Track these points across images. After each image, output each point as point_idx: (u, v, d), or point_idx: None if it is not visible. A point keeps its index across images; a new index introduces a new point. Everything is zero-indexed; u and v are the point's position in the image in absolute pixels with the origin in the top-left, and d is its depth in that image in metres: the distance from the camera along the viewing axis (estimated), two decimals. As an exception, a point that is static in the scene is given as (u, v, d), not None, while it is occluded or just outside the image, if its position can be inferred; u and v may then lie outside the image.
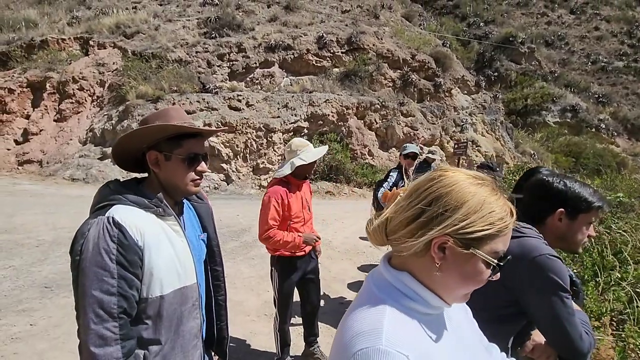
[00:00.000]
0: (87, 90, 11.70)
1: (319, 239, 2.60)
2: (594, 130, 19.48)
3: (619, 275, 3.16)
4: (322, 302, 3.82)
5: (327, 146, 2.60)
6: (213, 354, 1.45)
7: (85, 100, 11.70)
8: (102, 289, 0.97)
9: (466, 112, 14.87)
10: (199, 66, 12.69)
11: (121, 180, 1.19)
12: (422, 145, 12.68)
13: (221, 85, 12.20)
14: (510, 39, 21.63)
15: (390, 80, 14.02)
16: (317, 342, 2.87)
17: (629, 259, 3.48)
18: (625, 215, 4.93)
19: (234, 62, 13.05)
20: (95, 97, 11.86)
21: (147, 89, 10.72)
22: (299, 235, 2.48)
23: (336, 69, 13.83)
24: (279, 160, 11.46)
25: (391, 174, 3.26)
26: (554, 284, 1.07)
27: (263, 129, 11.14)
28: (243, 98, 11.58)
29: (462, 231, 0.63)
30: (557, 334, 1.10)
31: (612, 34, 26.84)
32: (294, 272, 2.60)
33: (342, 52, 13.95)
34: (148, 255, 1.06)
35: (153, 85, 11.01)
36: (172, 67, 11.85)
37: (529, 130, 18.85)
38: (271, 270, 2.67)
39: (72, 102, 11.54)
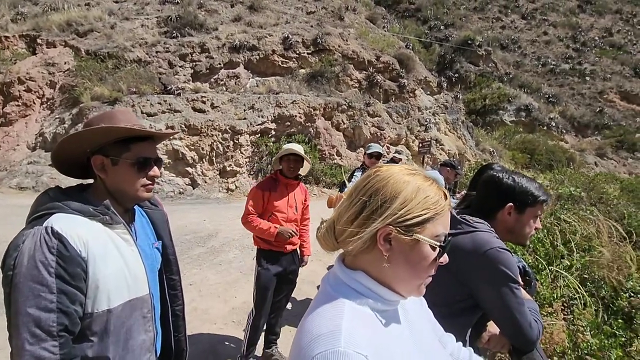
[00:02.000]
0: (35, 92, 10.90)
1: (295, 234, 2.63)
2: (545, 128, 20.83)
3: (568, 263, 3.38)
4: (289, 305, 3.79)
5: (299, 145, 2.69)
6: None
7: (34, 103, 10.90)
8: (38, 306, 0.89)
9: (429, 112, 15.37)
10: (159, 67, 12.21)
11: (63, 187, 1.10)
12: (388, 145, 12.97)
13: (184, 86, 11.81)
14: (469, 41, 22.65)
15: (356, 81, 14.21)
16: (276, 342, 2.87)
17: (574, 249, 3.73)
18: (574, 207, 5.29)
19: (197, 63, 12.69)
20: (45, 100, 11.08)
21: (103, 91, 10.17)
22: (275, 227, 2.55)
23: (302, 70, 13.82)
24: (246, 162, 11.27)
25: (355, 173, 3.29)
26: (504, 275, 1.12)
27: (229, 131, 10.91)
28: (208, 99, 11.28)
29: (402, 219, 0.66)
30: (508, 324, 1.14)
31: (559, 39, 28.86)
32: (274, 266, 2.63)
33: (307, 53, 13.96)
34: (93, 266, 0.98)
35: (110, 86, 10.46)
36: (130, 68, 11.32)
37: (487, 129, 19.84)
38: (255, 266, 2.71)
39: (18, 105, 10.71)
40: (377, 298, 0.68)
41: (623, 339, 2.81)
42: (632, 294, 3.14)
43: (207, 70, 12.73)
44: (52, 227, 0.94)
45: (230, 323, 3.43)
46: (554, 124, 21.10)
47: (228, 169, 10.86)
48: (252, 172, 11.36)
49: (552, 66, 26.36)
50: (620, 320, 3.02)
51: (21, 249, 0.92)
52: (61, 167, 1.14)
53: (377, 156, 3.33)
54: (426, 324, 0.84)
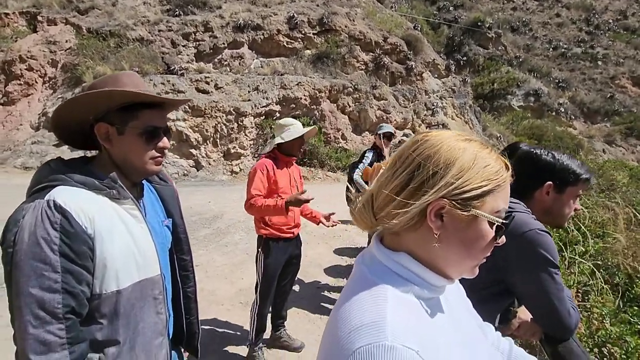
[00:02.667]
0: (37, 71, 10.75)
1: (307, 201, 2.31)
2: (554, 113, 20.44)
3: (583, 249, 3.31)
4: (297, 287, 3.77)
5: (315, 127, 2.51)
6: (183, 350, 1.33)
7: (36, 82, 10.76)
8: (42, 286, 0.82)
9: (437, 95, 15.08)
10: (162, 46, 11.96)
11: (65, 159, 1.01)
12: (395, 129, 12.77)
13: (187, 66, 11.60)
14: (479, 23, 22.01)
15: (362, 63, 13.90)
16: (284, 325, 2.85)
17: (588, 235, 3.66)
18: (585, 193, 5.19)
19: (201, 42, 12.42)
20: (47, 79, 10.93)
21: (106, 70, 9.99)
22: (280, 198, 2.38)
23: (308, 51, 13.51)
24: (250, 145, 11.17)
25: (367, 154, 3.17)
26: (544, 259, 1.04)
27: (233, 112, 10.76)
28: (211, 80, 11.09)
29: (458, 191, 0.57)
30: (545, 311, 1.07)
31: (572, 21, 28.01)
32: (281, 254, 2.54)
33: (313, 34, 13.62)
34: (100, 244, 0.90)
35: (112, 65, 10.27)
36: (132, 47, 11.10)
37: (495, 114, 19.50)
38: (257, 252, 2.58)
39: (20, 84, 10.58)
40: (423, 284, 0.60)
41: (639, 327, 2.76)
42: (648, 281, 3.06)
43: (211, 50, 12.47)
44: (54, 201, 0.86)
45: (238, 304, 3.41)
46: (563, 110, 20.70)
47: (232, 151, 10.77)
48: (256, 155, 11.27)
49: (563, 50, 25.67)
50: (635, 308, 2.96)
51: (21, 224, 0.84)
52: (62, 135, 1.05)
53: (389, 136, 3.21)
54: (465, 312, 0.76)
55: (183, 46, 12.31)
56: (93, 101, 0.96)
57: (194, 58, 12.36)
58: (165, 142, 1.06)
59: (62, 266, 0.84)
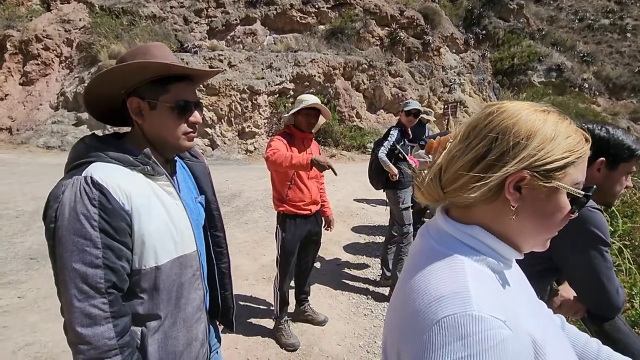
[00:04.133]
0: (53, 50, 10.81)
1: (333, 170, 2.17)
2: (577, 90, 19.61)
3: (612, 229, 3.24)
4: (318, 264, 3.83)
5: (315, 102, 2.38)
6: (218, 323, 1.37)
7: (53, 62, 10.84)
8: (84, 261, 0.83)
9: (454, 71, 14.62)
10: (174, 23, 11.84)
11: (100, 135, 1.01)
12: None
13: (200, 44, 11.47)
14: (500, -6, 20.95)
15: (377, 38, 13.50)
16: (307, 300, 2.90)
17: (617, 213, 3.57)
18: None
19: (213, 19, 12.22)
20: (64, 58, 10.99)
21: (120, 48, 9.97)
22: (310, 154, 2.34)
23: (322, 26, 13.17)
24: (265, 123, 11.13)
25: (392, 132, 3.10)
26: (595, 237, 1.02)
27: (247, 91, 10.69)
28: (225, 58, 10.97)
29: (540, 162, 0.55)
30: (593, 289, 1.05)
31: (601, -10, 26.36)
32: (299, 230, 2.54)
33: (327, 8, 13.23)
34: (137, 221, 0.91)
35: (126, 44, 10.24)
36: (145, 24, 11.00)
37: (514, 91, 18.82)
38: (276, 228, 2.60)
39: (37, 64, 10.67)
40: (496, 257, 0.59)
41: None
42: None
43: (223, 27, 12.28)
44: (91, 177, 0.86)
45: (261, 279, 3.50)
46: (586, 86, 19.82)
47: (247, 130, 10.77)
48: (270, 134, 11.24)
49: (590, 21, 24.31)
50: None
51: (61, 200, 0.85)
52: (94, 110, 1.05)
53: (416, 114, 3.12)
54: (525, 287, 0.75)
55: (195, 23, 12.14)
56: (126, 74, 0.94)
57: (206, 35, 12.20)
58: (197, 116, 1.04)
59: (102, 242, 0.85)
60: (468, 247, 0.59)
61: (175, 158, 1.13)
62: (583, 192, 0.58)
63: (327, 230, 2.86)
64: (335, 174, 2.35)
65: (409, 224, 3.18)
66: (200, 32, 12.08)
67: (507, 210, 0.57)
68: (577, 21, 24.54)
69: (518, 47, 20.28)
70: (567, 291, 1.18)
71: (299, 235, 2.55)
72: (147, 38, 10.46)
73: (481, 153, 0.58)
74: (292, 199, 2.50)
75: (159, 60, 0.95)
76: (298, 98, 2.52)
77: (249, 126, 10.78)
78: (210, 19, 12.22)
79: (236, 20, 12.34)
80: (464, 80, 14.82)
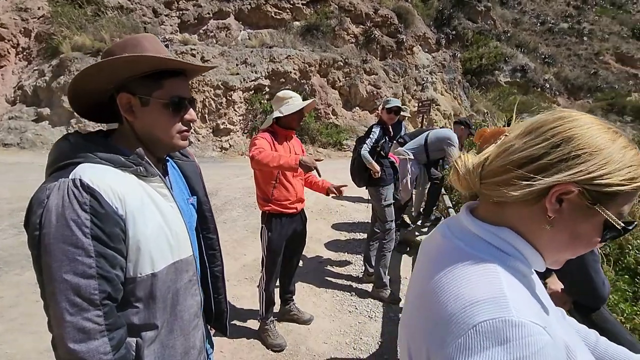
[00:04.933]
0: (9, 41, 10.05)
1: (317, 172, 2.26)
2: (539, 89, 20.68)
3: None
4: (300, 262, 3.81)
5: (314, 99, 2.43)
6: (210, 327, 1.32)
7: (8, 53, 10.09)
8: (75, 271, 0.77)
9: (427, 70, 14.97)
10: (143, 15, 11.34)
11: (83, 133, 0.93)
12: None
13: (172, 37, 11.07)
14: (469, -4, 21.67)
15: (353, 35, 13.58)
16: (293, 299, 2.89)
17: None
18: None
19: (184, 12, 11.82)
20: (21, 49, 10.26)
21: (85, 40, 9.45)
22: (296, 154, 2.30)
23: (297, 22, 13.07)
24: (240, 120, 10.93)
25: (373, 129, 3.12)
26: None
27: (221, 87, 10.44)
28: (198, 52, 10.65)
29: (596, 181, 0.53)
30: (581, 280, 1.10)
31: (560, -5, 27.88)
32: (285, 229, 2.52)
33: (302, 4, 13.14)
34: (132, 226, 0.85)
35: (91, 35, 9.71)
36: (112, 15, 10.46)
37: (482, 90, 19.57)
38: (261, 227, 2.56)
39: (-9, 55, 9.90)
40: (525, 261, 0.59)
41: (630, 294, 2.92)
42: (638, 252, 3.23)
43: (195, 21, 11.91)
44: (81, 180, 0.80)
45: (244, 280, 3.44)
46: (548, 86, 20.95)
47: (221, 126, 10.53)
48: (246, 131, 11.07)
49: (550, 25, 25.65)
50: (627, 277, 3.12)
51: (47, 205, 0.78)
52: (78, 106, 0.97)
53: (397, 111, 3.15)
54: (545, 293, 0.76)
55: (166, 15, 11.70)
56: (116, 68, 0.87)
57: (177, 29, 11.79)
58: (192, 114, 0.99)
59: (95, 250, 0.79)
60: (499, 250, 0.58)
61: (166, 158, 1.08)
62: (623, 224, 0.55)
63: (339, 194, 2.62)
64: (319, 176, 2.37)
65: (391, 221, 3.22)
66: (171, 26, 11.65)
67: (543, 218, 0.56)
68: (539, 24, 25.82)
69: (486, 48, 21.09)
70: (555, 284, 1.23)
71: (285, 234, 2.52)
72: (114, 30, 9.96)
73: (538, 154, 0.56)
74: (277, 198, 2.47)
75: (152, 54, 0.88)
76: (281, 95, 2.49)
77: (224, 123, 10.54)
78: (181, 12, 11.81)
79: (209, 14, 12.00)
80: (436, 79, 15.21)
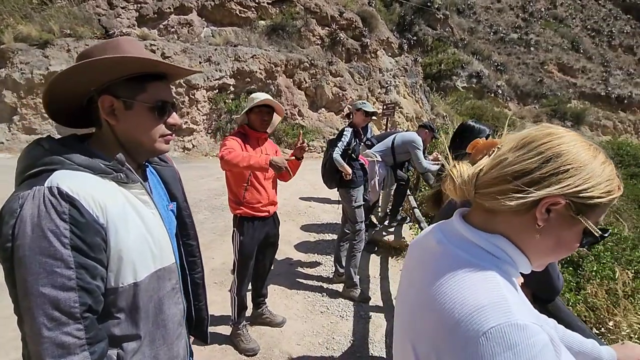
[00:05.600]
0: (-62, 27, 9.03)
1: (288, 172, 2.29)
2: (492, 95, 22.04)
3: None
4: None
5: (267, 97, 2.33)
6: (188, 335, 1.30)
7: (-62, 40, 9.06)
8: (54, 284, 0.73)
9: (390, 74, 15.41)
10: (97, 6, 10.68)
11: (54, 137, 0.88)
12: (350, 106, 12.90)
13: (129, 31, 10.53)
14: (428, 4, 22.58)
15: (318, 37, 13.67)
16: (265, 302, 2.87)
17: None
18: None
19: (143, 5, 11.28)
20: (-47, 37, 9.25)
21: (30, 30, 8.72)
22: (267, 154, 2.27)
23: (262, 22, 12.94)
24: (203, 120, 10.63)
25: (345, 132, 3.18)
26: None
27: (184, 85, 10.11)
28: (158, 49, 10.21)
29: (581, 194, 0.59)
30: (540, 275, 1.21)
31: (510, 7, 29.86)
32: (257, 232, 2.49)
33: (267, 3, 13.03)
34: (114, 235, 0.82)
35: (38, 26, 8.99)
36: (61, 5, 9.75)
37: (441, 94, 20.51)
38: (233, 231, 2.50)
39: None
40: (514, 266, 0.64)
41: (573, 285, 3.22)
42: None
43: (155, 15, 11.41)
44: (58, 188, 0.76)
45: (212, 284, 3.37)
46: (500, 92, 22.38)
47: (184, 126, 10.19)
48: (210, 131, 10.78)
49: (502, 35, 27.42)
50: (570, 269, 3.43)
51: (20, 215, 0.73)
52: (54, 111, 0.93)
53: (373, 114, 3.24)
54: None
55: (122, 8, 11.09)
56: (99, 70, 0.85)
57: (135, 22, 11.22)
58: (175, 117, 0.98)
59: (75, 261, 0.76)
60: (494, 256, 0.62)
61: (145, 163, 1.05)
62: (600, 232, 0.62)
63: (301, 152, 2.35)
64: (289, 173, 2.36)
65: (362, 222, 3.31)
66: (128, 19, 11.06)
67: (533, 227, 0.61)
68: (492, 34, 27.50)
69: (444, 54, 22.11)
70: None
71: (257, 238, 2.50)
72: (64, 21, 9.29)
73: (531, 168, 0.60)
74: (249, 200, 2.44)
75: (137, 55, 0.86)
76: (251, 96, 2.45)
77: (186, 122, 10.20)
78: (139, 5, 11.25)
79: (169, 8, 11.55)
80: (399, 82, 15.70)
